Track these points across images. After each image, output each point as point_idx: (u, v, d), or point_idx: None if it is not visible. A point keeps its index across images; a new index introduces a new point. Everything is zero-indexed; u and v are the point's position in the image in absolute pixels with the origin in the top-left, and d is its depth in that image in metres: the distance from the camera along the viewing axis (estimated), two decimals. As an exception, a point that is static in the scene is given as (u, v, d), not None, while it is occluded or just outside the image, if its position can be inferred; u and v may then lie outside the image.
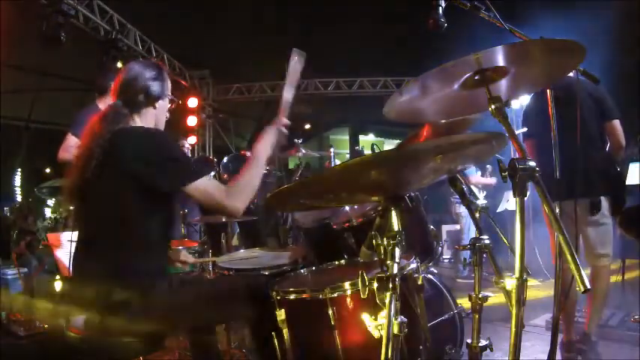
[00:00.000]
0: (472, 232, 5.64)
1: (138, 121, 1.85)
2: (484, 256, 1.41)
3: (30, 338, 2.81)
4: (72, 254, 1.86)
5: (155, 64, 1.93)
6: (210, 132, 9.59)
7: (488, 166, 6.03)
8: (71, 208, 1.88)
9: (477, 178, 5.82)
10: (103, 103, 2.91)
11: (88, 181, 1.69)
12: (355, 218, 2.20)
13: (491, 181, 5.88)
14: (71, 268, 1.86)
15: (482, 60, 1.23)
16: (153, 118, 1.89)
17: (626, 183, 3.89)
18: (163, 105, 1.93)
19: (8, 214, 13.04)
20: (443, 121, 1.61)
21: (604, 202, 2.70)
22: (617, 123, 2.72)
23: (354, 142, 14.37)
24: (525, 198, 1.17)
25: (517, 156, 1.18)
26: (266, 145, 1.89)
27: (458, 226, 6.35)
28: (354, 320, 1.50)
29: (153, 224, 1.70)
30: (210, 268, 3.13)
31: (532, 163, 1.15)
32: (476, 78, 1.30)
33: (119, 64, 6.04)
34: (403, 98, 1.43)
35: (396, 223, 1.23)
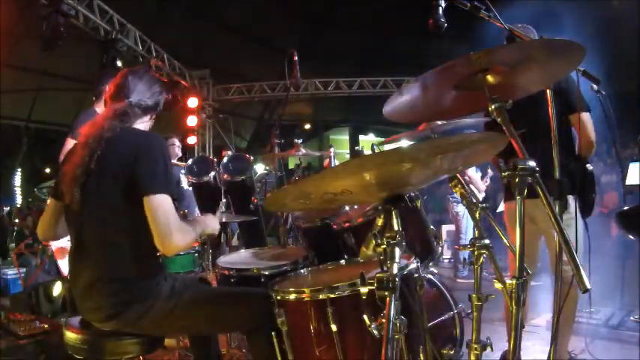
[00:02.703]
0: (471, 232, 5.63)
1: (136, 126, 1.89)
2: (484, 256, 1.41)
3: (30, 338, 2.80)
4: (70, 254, 1.86)
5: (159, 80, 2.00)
6: (210, 132, 9.59)
7: (489, 171, 6.00)
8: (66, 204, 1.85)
9: (475, 175, 5.78)
10: (101, 107, 2.91)
11: (89, 173, 1.70)
12: (355, 218, 2.20)
13: (482, 187, 5.83)
14: (69, 269, 1.85)
15: (482, 60, 1.23)
16: (147, 127, 1.95)
17: (625, 184, 3.88)
18: (151, 117, 2.00)
19: (8, 214, 13.04)
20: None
21: (571, 202, 2.47)
22: (585, 116, 2.47)
23: (354, 142, 14.39)
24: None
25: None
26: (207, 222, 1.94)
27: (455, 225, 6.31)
28: (354, 320, 1.49)
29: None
30: (210, 268, 3.13)
31: (532, 163, 1.15)
32: (476, 78, 1.30)
33: (119, 63, 6.06)
34: (403, 98, 1.43)
35: (396, 223, 1.22)
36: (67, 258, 3.29)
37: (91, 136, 1.75)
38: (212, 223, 1.96)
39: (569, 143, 2.55)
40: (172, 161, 4.89)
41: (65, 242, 3.31)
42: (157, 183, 1.66)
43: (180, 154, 5.13)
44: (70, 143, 2.95)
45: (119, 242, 1.68)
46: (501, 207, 6.35)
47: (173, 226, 1.63)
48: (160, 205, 1.64)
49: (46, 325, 2.96)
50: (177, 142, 5.16)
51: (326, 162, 4.10)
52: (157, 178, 1.67)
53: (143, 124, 1.94)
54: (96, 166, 1.70)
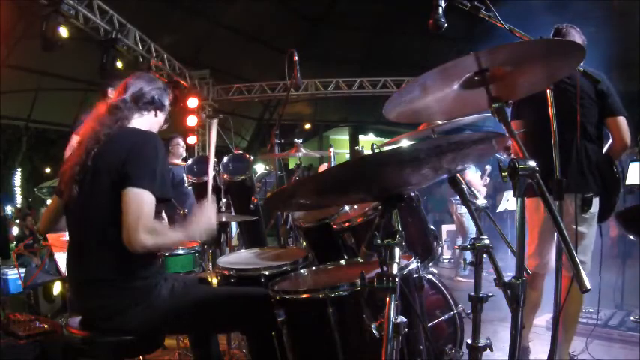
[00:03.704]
0: (472, 232, 5.64)
1: (136, 123, 1.87)
2: (484, 256, 1.41)
3: (30, 338, 2.80)
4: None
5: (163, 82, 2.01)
6: (210, 132, 9.58)
7: (487, 167, 6.01)
8: (64, 204, 1.84)
9: (474, 177, 5.78)
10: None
11: (87, 171, 1.70)
12: (355, 218, 2.20)
13: (482, 189, 5.82)
14: (67, 268, 1.85)
15: (482, 60, 1.23)
16: (149, 124, 1.92)
17: (625, 184, 3.87)
18: (160, 117, 1.98)
19: (8, 214, 13.04)
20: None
21: (595, 201, 2.51)
22: (622, 120, 2.51)
23: (354, 142, 14.38)
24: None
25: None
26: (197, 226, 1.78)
27: (459, 227, 6.31)
28: (354, 320, 1.49)
29: None
30: (211, 268, 3.13)
31: (532, 163, 1.14)
32: (476, 78, 1.30)
33: (119, 63, 6.06)
34: (403, 98, 1.43)
35: (396, 223, 1.23)
36: (63, 249, 3.29)
37: (88, 134, 1.76)
38: (205, 224, 1.80)
39: (601, 144, 2.59)
40: (176, 161, 4.90)
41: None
42: (140, 177, 1.63)
43: (184, 155, 5.13)
44: (75, 139, 2.96)
45: (118, 241, 1.67)
46: (501, 207, 6.37)
47: (142, 223, 1.57)
48: (135, 198, 1.59)
49: (46, 325, 2.96)
50: (181, 142, 5.15)
51: (323, 166, 4.11)
52: (143, 174, 1.64)
53: (144, 120, 1.90)
54: (93, 164, 1.70)
